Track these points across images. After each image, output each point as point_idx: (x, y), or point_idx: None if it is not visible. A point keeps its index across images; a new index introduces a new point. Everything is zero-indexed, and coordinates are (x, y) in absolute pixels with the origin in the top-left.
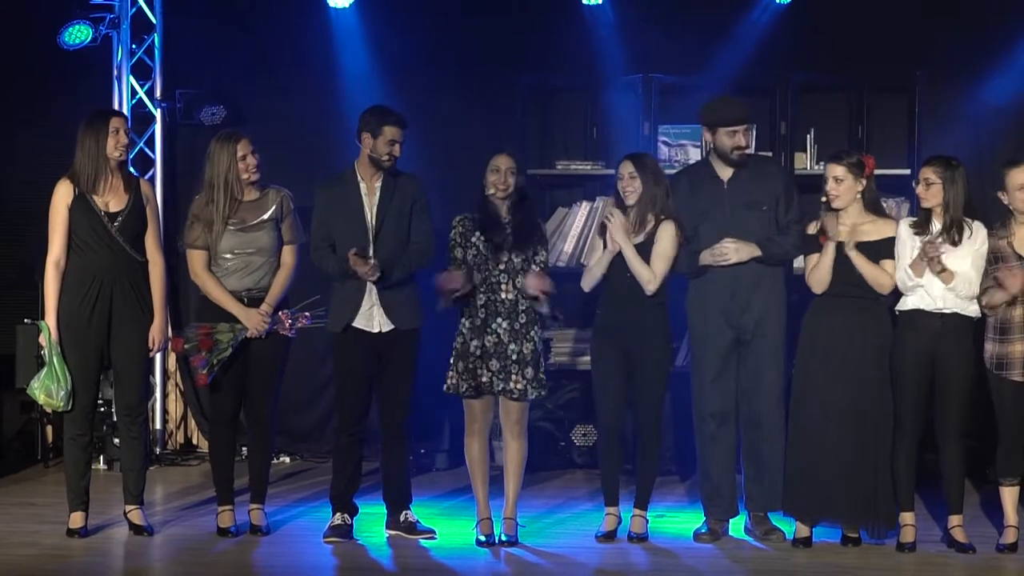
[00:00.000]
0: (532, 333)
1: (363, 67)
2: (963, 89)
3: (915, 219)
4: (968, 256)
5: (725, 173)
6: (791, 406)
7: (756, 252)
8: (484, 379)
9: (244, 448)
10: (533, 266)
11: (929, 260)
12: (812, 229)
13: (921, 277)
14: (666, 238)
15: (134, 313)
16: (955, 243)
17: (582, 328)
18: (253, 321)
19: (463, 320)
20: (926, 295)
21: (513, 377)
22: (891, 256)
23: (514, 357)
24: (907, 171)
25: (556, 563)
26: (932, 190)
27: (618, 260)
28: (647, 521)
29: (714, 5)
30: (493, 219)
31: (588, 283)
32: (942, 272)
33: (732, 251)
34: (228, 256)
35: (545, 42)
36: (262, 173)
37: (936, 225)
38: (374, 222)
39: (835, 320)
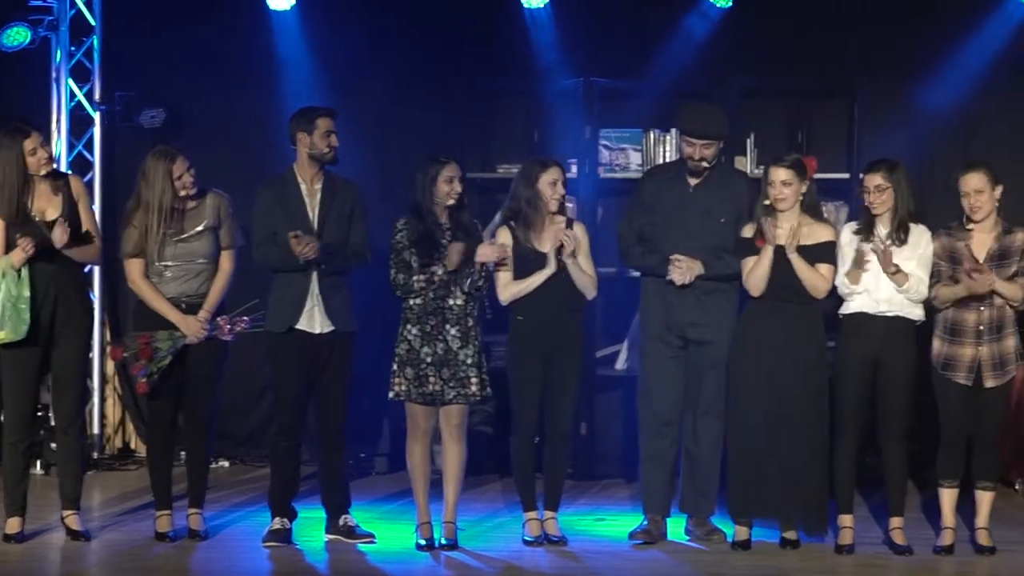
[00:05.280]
0: (478, 334)
1: (304, 69)
2: (902, 94)
3: (857, 225)
4: (912, 259)
5: (693, 178)
6: (730, 410)
7: (701, 271)
8: (436, 387)
9: (183, 452)
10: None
11: (884, 262)
12: (748, 232)
13: (857, 285)
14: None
15: (74, 318)
16: (901, 243)
17: None
18: (192, 328)
19: (408, 327)
20: (870, 298)
21: (473, 380)
22: (829, 260)
23: (469, 361)
24: (847, 175)
25: (496, 567)
26: (884, 196)
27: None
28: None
29: (655, 9)
30: (435, 225)
31: (509, 296)
32: (896, 274)
33: (677, 277)
34: (166, 264)
35: (486, 45)
36: (199, 183)
37: (881, 229)
38: (316, 222)
39: (770, 324)
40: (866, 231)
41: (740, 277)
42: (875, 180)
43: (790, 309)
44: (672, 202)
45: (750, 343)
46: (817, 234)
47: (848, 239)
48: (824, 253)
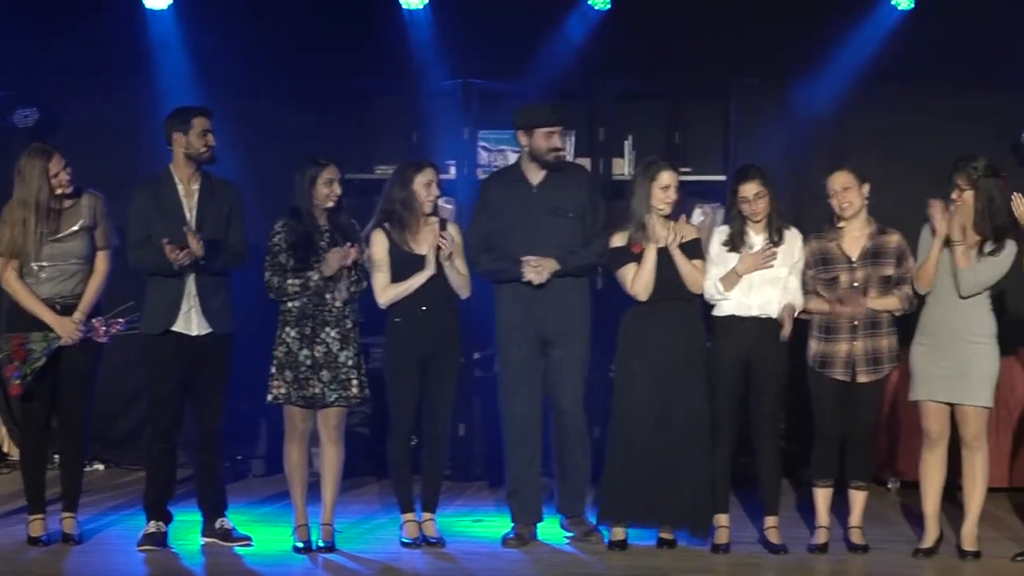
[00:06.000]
0: (357, 336)
1: (180, 69)
2: (777, 97)
3: (728, 231)
4: (786, 266)
5: (536, 177)
6: (613, 411)
7: (556, 267)
8: (316, 390)
9: (56, 456)
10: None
11: (761, 261)
12: (619, 241)
13: (730, 291)
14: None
15: None
16: (777, 244)
17: None
18: (67, 329)
19: (287, 329)
20: (742, 302)
21: (354, 382)
22: (701, 256)
23: (350, 363)
24: (722, 177)
25: (373, 568)
26: (763, 202)
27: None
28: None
29: (534, 12)
30: (313, 227)
31: (388, 299)
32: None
33: (535, 277)
34: (41, 265)
35: (365, 46)
36: (75, 183)
37: (752, 235)
38: (194, 223)
39: (655, 324)
40: (738, 239)
41: (595, 270)
42: (753, 188)
43: (674, 307)
44: (517, 204)
45: (635, 343)
46: (686, 232)
47: (718, 248)
48: (696, 249)
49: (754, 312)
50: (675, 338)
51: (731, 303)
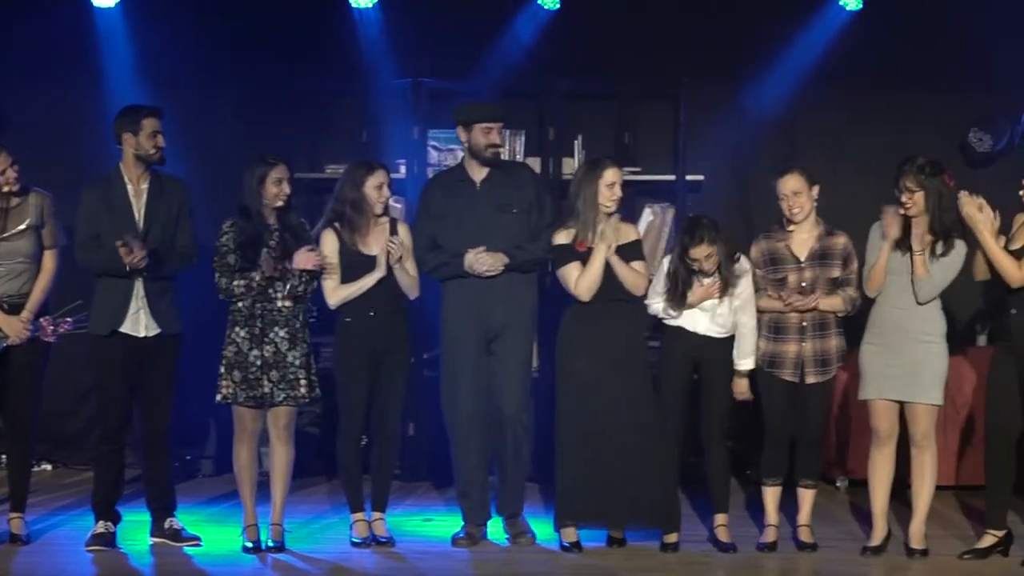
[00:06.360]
0: (306, 336)
1: (129, 67)
2: (726, 96)
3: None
4: (738, 298)
5: (479, 175)
6: (556, 413)
7: (505, 260)
8: (266, 390)
9: (3, 456)
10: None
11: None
12: (563, 239)
13: (679, 312)
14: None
15: None
16: (732, 285)
17: None
18: (15, 329)
19: (236, 329)
20: (690, 320)
21: (302, 382)
22: (641, 257)
23: (298, 363)
24: (672, 177)
25: (323, 568)
26: (712, 261)
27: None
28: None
29: (484, 11)
30: (262, 227)
31: (338, 300)
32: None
33: (488, 265)
34: None
35: (315, 45)
36: (22, 181)
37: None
38: (143, 223)
39: (596, 324)
40: (684, 285)
41: (543, 266)
42: (704, 251)
43: (616, 308)
44: (463, 203)
45: (577, 344)
46: (626, 233)
47: (668, 269)
48: (636, 251)
49: (701, 331)
50: (616, 338)
51: (680, 319)
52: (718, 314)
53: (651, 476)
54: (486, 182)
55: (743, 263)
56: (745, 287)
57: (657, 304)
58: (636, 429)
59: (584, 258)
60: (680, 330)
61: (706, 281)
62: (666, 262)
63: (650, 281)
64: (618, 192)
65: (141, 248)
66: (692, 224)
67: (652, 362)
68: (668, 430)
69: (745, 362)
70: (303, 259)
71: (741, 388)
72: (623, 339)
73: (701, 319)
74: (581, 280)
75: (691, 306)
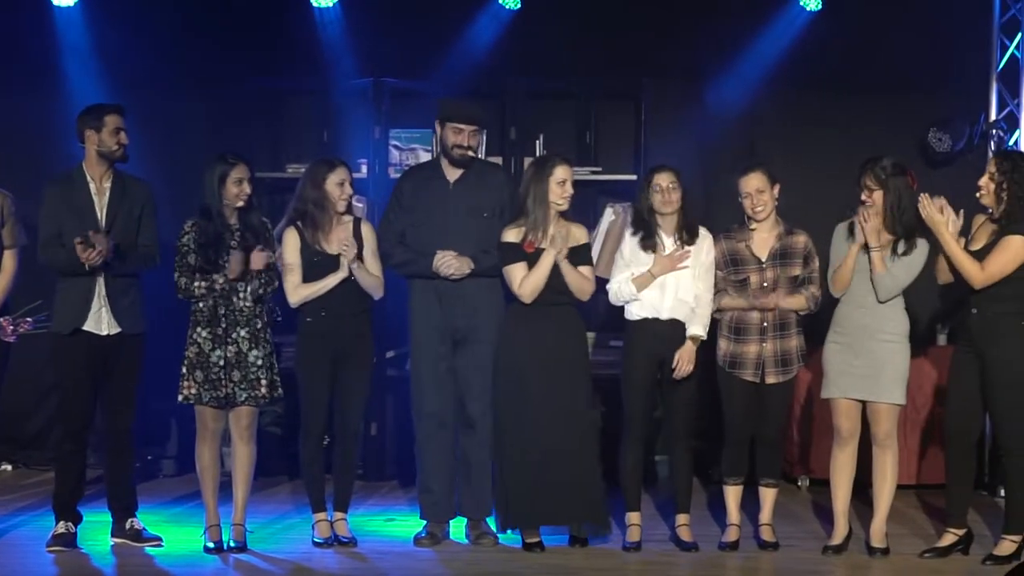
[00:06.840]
0: (268, 335)
1: (89, 67)
2: (687, 96)
3: (640, 232)
4: (696, 267)
5: (452, 174)
6: (497, 414)
7: (471, 265)
8: (228, 390)
9: None
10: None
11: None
12: (511, 237)
13: (642, 292)
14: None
15: None
16: (690, 244)
17: None
18: None
19: (198, 329)
20: (653, 306)
21: (263, 382)
22: (589, 262)
23: (259, 363)
24: (634, 176)
25: (285, 568)
26: (676, 195)
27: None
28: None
29: (445, 10)
30: (223, 227)
31: (299, 299)
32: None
33: (454, 268)
34: None
35: (275, 44)
36: None
37: (663, 236)
38: (104, 222)
39: (537, 326)
40: (649, 239)
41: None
42: (668, 178)
43: (558, 311)
44: (433, 201)
45: (518, 345)
46: (576, 236)
47: (630, 250)
48: (585, 255)
49: (665, 316)
50: (557, 340)
51: (643, 306)
52: (681, 287)
53: (584, 476)
54: (459, 183)
55: (703, 232)
56: (708, 254)
57: (617, 284)
58: (575, 431)
59: (531, 259)
60: (643, 323)
61: (668, 249)
62: (628, 236)
63: (607, 281)
64: (569, 190)
65: (104, 240)
66: (657, 164)
67: (613, 362)
68: (635, 430)
69: (696, 328)
70: (256, 259)
71: (688, 354)
72: (563, 340)
73: (665, 301)
74: (526, 282)
75: (654, 276)
